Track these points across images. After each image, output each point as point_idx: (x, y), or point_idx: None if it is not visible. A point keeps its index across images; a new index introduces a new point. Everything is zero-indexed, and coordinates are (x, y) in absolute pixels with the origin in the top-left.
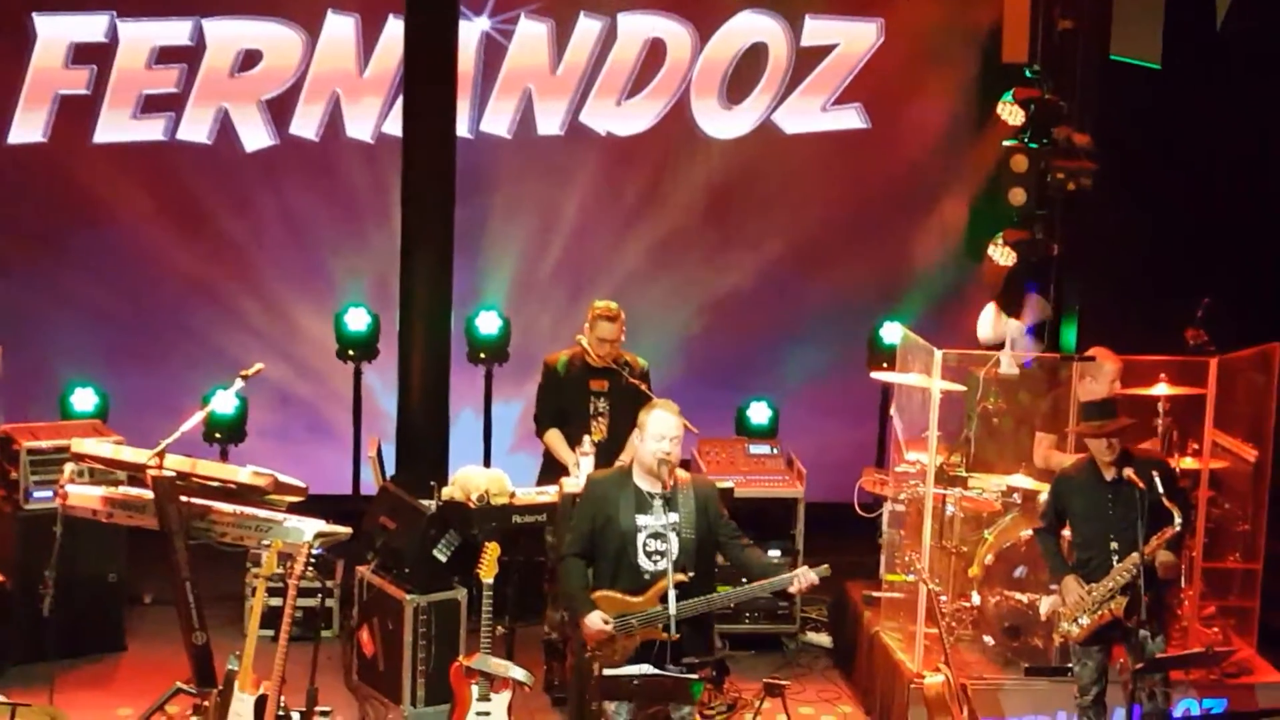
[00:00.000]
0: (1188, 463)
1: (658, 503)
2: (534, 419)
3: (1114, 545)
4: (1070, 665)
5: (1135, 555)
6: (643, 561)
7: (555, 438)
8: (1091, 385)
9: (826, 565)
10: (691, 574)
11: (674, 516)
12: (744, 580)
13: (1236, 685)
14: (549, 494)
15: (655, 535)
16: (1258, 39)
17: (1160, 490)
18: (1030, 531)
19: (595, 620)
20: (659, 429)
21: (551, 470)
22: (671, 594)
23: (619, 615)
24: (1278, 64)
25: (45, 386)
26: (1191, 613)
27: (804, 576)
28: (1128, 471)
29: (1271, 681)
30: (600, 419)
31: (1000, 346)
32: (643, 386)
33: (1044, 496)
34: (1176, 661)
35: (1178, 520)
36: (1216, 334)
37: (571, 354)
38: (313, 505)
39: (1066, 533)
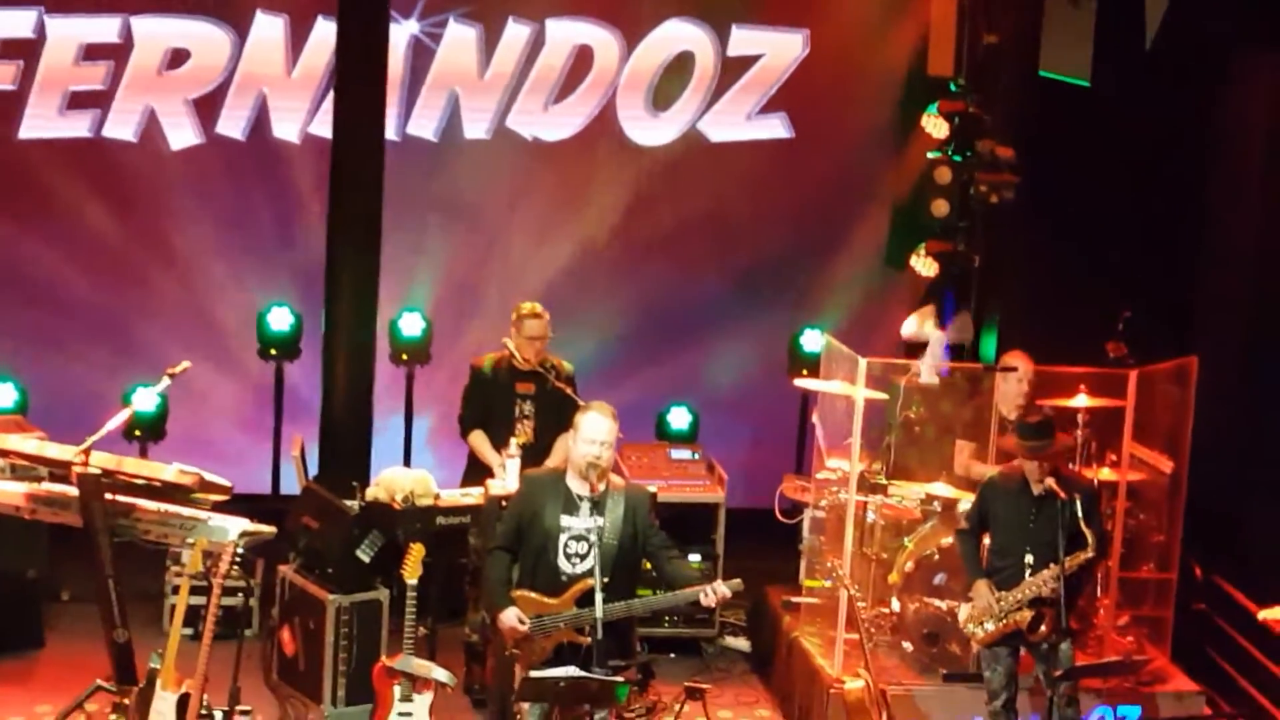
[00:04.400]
0: (1105, 474)
1: (585, 505)
2: (459, 420)
3: (1029, 558)
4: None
5: (1048, 571)
6: (562, 563)
7: (479, 439)
8: (1004, 387)
9: (739, 580)
10: (607, 579)
11: (599, 520)
12: (661, 588)
13: (1150, 694)
14: (473, 496)
15: (577, 537)
16: (1186, 58)
17: (1080, 514)
18: (950, 539)
19: (510, 617)
20: (590, 432)
21: (475, 472)
22: (599, 597)
23: (535, 616)
24: (1204, 82)
25: None
26: (1107, 622)
27: (716, 589)
28: (1049, 480)
29: (1184, 690)
30: (526, 421)
31: (917, 349)
32: (568, 390)
33: (964, 504)
34: (1095, 669)
35: (1091, 547)
36: (1136, 347)
37: (498, 357)
38: (232, 504)
39: (989, 540)
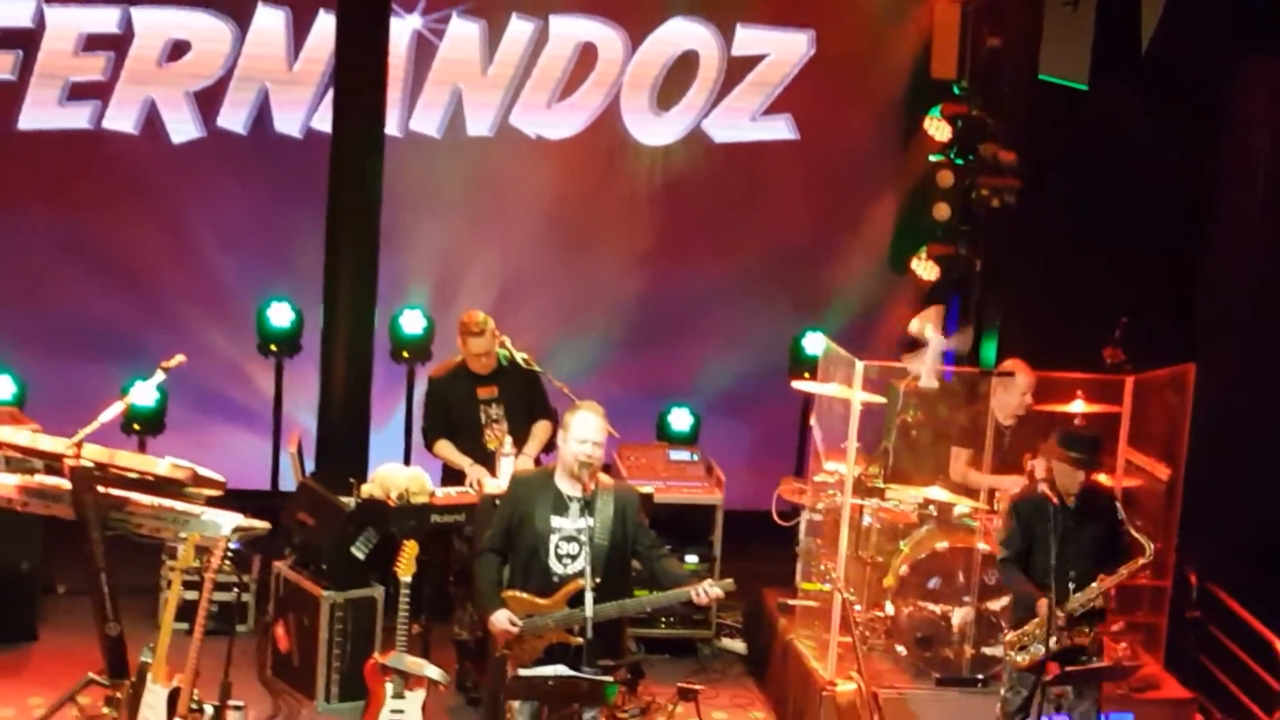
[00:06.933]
0: (1102, 479)
1: (575, 506)
2: (422, 432)
3: (1072, 573)
4: (979, 676)
5: (1096, 584)
6: (553, 564)
7: (446, 448)
8: (1003, 396)
9: (730, 580)
10: (599, 580)
11: (589, 521)
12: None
13: (1142, 700)
14: (469, 494)
15: (568, 538)
16: (1183, 62)
17: (1122, 519)
18: (945, 544)
19: (501, 619)
20: (581, 431)
21: (451, 481)
22: (589, 597)
23: (526, 616)
24: (1201, 87)
25: None
26: (1101, 628)
27: (707, 590)
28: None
29: (1177, 697)
30: (495, 426)
31: (916, 345)
32: (529, 362)
33: (960, 509)
34: (1085, 674)
35: (1150, 550)
36: (1134, 353)
37: (456, 364)
38: (230, 500)
39: None
